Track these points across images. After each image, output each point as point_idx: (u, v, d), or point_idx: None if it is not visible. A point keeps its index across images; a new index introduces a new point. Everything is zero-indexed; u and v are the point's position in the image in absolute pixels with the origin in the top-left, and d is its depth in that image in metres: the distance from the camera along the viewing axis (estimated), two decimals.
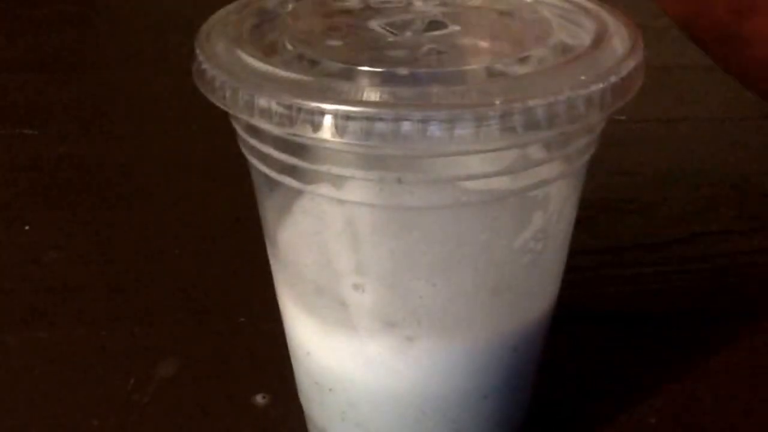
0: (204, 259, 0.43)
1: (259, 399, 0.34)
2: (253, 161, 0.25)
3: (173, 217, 0.46)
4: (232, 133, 0.25)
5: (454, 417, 0.27)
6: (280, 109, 0.21)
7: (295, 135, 0.21)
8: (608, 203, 0.46)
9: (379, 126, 0.20)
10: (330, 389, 0.28)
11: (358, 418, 0.28)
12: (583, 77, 0.22)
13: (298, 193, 0.25)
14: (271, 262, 0.28)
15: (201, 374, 0.35)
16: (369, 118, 0.20)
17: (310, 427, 0.31)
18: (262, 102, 0.21)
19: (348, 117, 0.20)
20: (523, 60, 0.23)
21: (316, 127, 0.21)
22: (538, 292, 0.27)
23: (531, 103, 0.21)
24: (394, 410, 0.27)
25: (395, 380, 0.26)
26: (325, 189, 0.24)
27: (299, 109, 0.21)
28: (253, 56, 0.23)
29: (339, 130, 0.20)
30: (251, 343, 0.36)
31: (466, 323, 0.26)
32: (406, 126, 0.20)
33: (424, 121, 0.20)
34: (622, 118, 0.55)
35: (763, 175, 0.50)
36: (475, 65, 0.23)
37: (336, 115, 0.20)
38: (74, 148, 0.54)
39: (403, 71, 0.22)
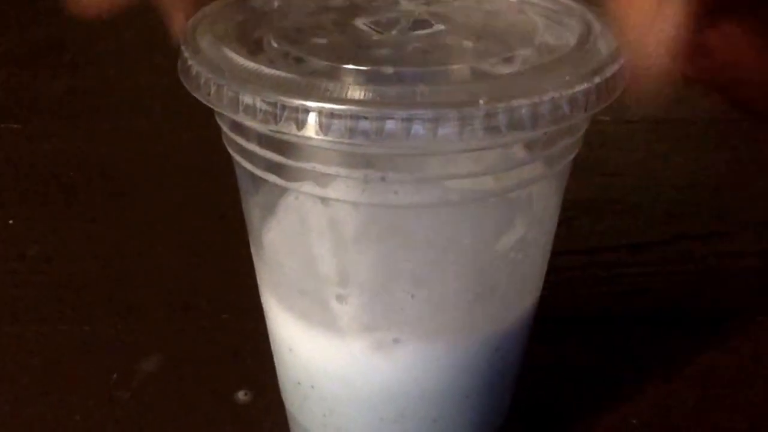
0: (188, 256, 0.42)
1: (241, 395, 0.34)
2: (238, 159, 0.25)
3: (157, 213, 0.46)
4: (218, 130, 0.25)
5: (435, 416, 0.27)
6: (265, 107, 0.21)
7: (279, 132, 0.21)
8: (591, 204, 0.46)
9: (363, 124, 0.20)
10: (312, 386, 0.28)
11: (339, 421, 0.28)
12: (567, 78, 0.22)
13: (283, 191, 0.25)
14: (255, 261, 0.28)
15: (183, 370, 0.35)
16: (353, 117, 0.20)
17: (291, 424, 0.31)
18: (247, 99, 0.21)
19: (332, 115, 0.20)
20: (507, 60, 0.24)
21: (301, 124, 0.21)
22: (521, 294, 0.27)
23: (515, 103, 0.21)
24: (376, 409, 0.27)
25: (378, 379, 0.26)
26: (309, 187, 0.24)
27: (284, 107, 0.21)
28: (238, 53, 0.23)
29: (323, 127, 0.20)
30: (234, 339, 0.36)
31: (449, 327, 0.26)
32: (390, 125, 0.20)
33: (408, 120, 0.20)
34: (606, 119, 0.55)
35: (745, 178, 0.50)
36: (459, 65, 0.23)
37: (320, 112, 0.20)
38: (58, 143, 0.54)
39: (387, 70, 0.22)
